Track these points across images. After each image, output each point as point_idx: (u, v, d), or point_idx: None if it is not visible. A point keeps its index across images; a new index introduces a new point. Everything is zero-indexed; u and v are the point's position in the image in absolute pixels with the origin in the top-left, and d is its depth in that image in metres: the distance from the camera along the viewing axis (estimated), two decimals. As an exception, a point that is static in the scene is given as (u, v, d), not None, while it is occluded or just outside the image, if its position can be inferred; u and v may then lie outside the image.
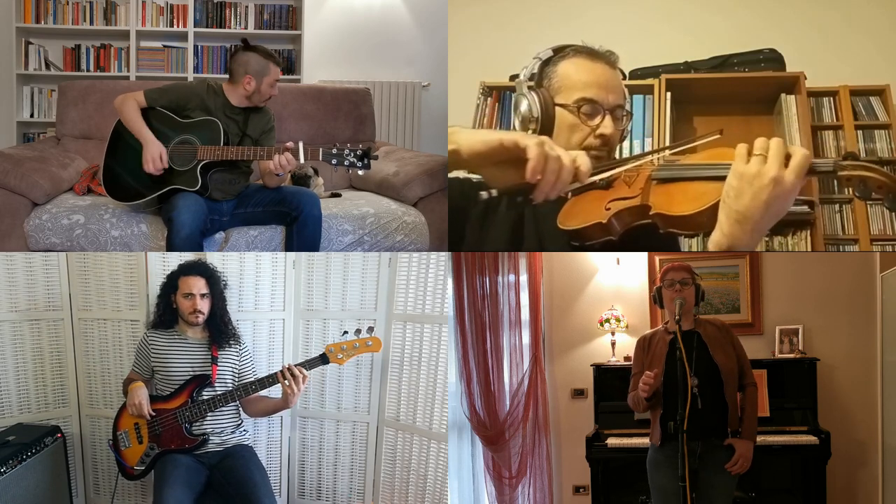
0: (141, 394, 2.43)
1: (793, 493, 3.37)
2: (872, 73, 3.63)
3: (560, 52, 1.84)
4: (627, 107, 1.85)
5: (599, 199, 1.71)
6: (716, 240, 1.46)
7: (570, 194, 1.82)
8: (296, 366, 2.44)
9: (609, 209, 1.65)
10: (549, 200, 1.53)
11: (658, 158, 1.74)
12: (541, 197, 1.51)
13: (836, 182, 1.55)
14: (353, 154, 2.67)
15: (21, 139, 4.93)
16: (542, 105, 1.79)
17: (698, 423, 2.26)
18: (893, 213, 3.44)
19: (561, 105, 1.79)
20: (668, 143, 3.38)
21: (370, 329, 2.58)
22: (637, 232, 1.66)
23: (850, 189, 1.43)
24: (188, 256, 2.74)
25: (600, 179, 1.69)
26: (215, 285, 2.57)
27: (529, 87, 1.82)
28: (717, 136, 1.65)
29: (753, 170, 1.36)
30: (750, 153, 1.39)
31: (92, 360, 2.88)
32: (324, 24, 5.19)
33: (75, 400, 2.89)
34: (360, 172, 2.73)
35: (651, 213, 1.59)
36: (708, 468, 2.35)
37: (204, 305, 2.52)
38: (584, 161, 1.53)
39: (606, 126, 1.77)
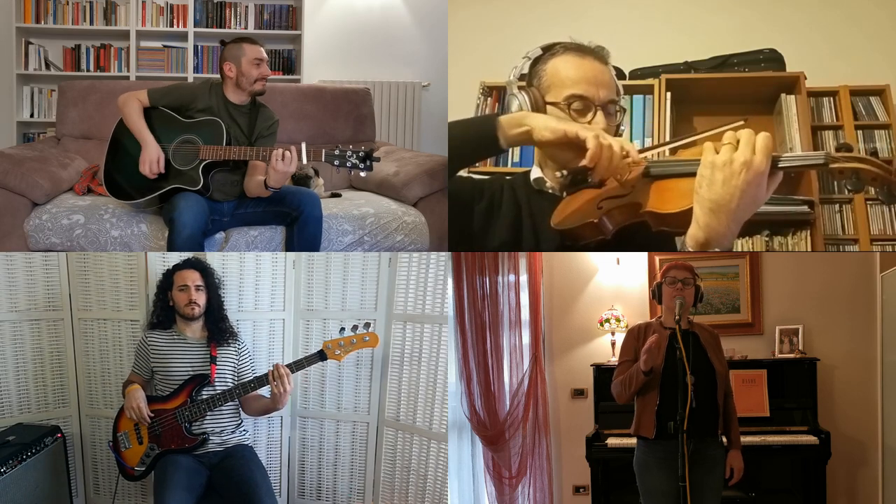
0: (138, 397, 2.43)
1: (793, 493, 3.37)
2: (872, 73, 3.63)
3: (549, 49, 1.84)
4: (622, 102, 1.84)
5: (592, 197, 1.69)
6: (692, 234, 1.46)
7: (565, 193, 1.81)
8: (287, 364, 2.45)
9: (601, 208, 1.64)
10: (603, 180, 1.69)
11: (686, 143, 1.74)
12: (598, 178, 1.67)
13: (828, 175, 1.53)
14: (355, 155, 2.67)
15: (21, 139, 4.93)
16: (532, 104, 1.79)
17: (693, 423, 2.26)
18: (890, 208, 3.45)
19: (551, 103, 1.78)
20: (666, 147, 3.38)
21: (367, 325, 2.58)
22: (632, 230, 1.64)
23: (843, 182, 1.41)
24: (188, 256, 2.73)
25: (651, 156, 1.73)
26: (209, 278, 2.58)
27: (520, 87, 1.82)
28: (742, 122, 1.59)
29: (724, 157, 1.38)
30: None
31: (92, 360, 2.88)
32: (324, 24, 5.19)
33: (75, 400, 2.89)
34: (362, 174, 2.72)
35: (642, 211, 1.58)
36: (700, 468, 2.35)
37: (199, 298, 2.53)
38: (630, 146, 1.66)
39: (598, 122, 1.76)
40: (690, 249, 1.49)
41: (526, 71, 1.85)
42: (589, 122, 1.76)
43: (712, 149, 1.41)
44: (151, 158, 2.87)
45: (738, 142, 1.39)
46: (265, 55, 2.97)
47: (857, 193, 2.01)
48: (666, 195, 1.55)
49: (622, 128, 1.87)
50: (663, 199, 1.55)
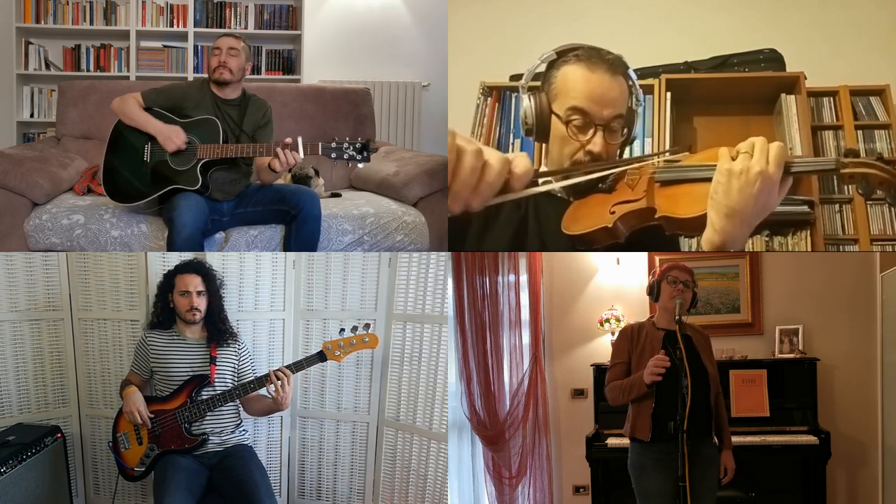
0: (136, 400, 2.43)
1: (793, 493, 3.37)
2: (872, 73, 3.63)
3: (563, 55, 1.81)
4: (638, 111, 1.81)
5: (603, 202, 1.70)
6: (708, 237, 1.50)
7: (572, 199, 1.81)
8: (287, 365, 2.46)
9: (614, 213, 1.65)
10: (472, 212, 1.32)
11: (648, 164, 1.73)
12: (456, 206, 1.29)
13: (838, 180, 1.61)
14: (352, 147, 2.69)
15: (21, 139, 4.93)
16: (537, 111, 1.79)
17: (690, 424, 2.27)
18: (889, 208, 3.45)
19: (555, 114, 1.78)
20: (666, 146, 3.38)
21: (367, 326, 2.58)
22: (641, 233, 1.66)
23: (853, 186, 1.48)
24: (188, 256, 2.74)
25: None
26: (211, 283, 2.58)
27: (530, 89, 1.82)
28: (687, 152, 1.69)
29: (740, 166, 1.43)
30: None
31: (92, 360, 2.88)
32: (324, 24, 5.19)
33: (75, 400, 2.89)
34: (359, 165, 2.74)
35: (657, 215, 1.60)
36: (696, 468, 2.35)
37: (201, 303, 2.52)
38: (523, 161, 1.35)
39: (596, 143, 1.73)
40: (706, 251, 1.53)
41: (542, 71, 1.84)
42: (587, 141, 1.73)
43: (728, 156, 1.46)
44: (171, 135, 2.87)
45: (752, 149, 1.44)
46: (229, 44, 2.95)
47: (868, 197, 2.07)
48: (681, 200, 1.58)
49: (629, 141, 1.84)
50: (678, 205, 1.58)
